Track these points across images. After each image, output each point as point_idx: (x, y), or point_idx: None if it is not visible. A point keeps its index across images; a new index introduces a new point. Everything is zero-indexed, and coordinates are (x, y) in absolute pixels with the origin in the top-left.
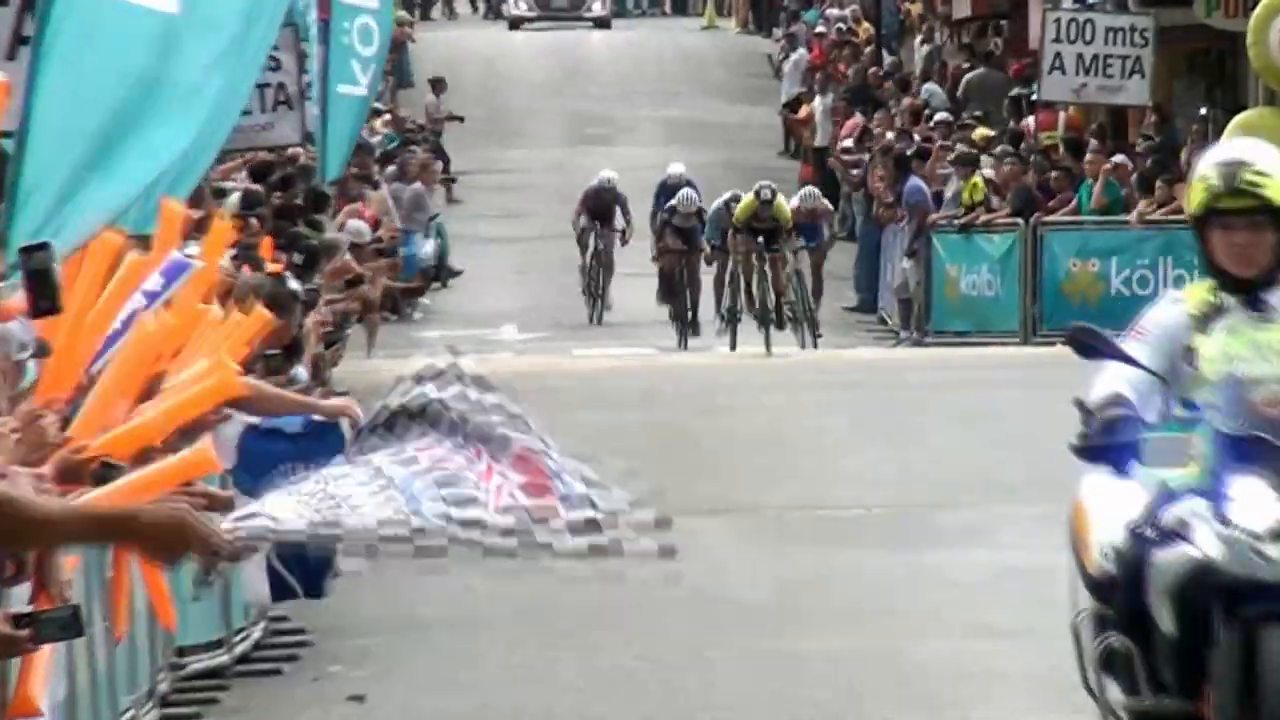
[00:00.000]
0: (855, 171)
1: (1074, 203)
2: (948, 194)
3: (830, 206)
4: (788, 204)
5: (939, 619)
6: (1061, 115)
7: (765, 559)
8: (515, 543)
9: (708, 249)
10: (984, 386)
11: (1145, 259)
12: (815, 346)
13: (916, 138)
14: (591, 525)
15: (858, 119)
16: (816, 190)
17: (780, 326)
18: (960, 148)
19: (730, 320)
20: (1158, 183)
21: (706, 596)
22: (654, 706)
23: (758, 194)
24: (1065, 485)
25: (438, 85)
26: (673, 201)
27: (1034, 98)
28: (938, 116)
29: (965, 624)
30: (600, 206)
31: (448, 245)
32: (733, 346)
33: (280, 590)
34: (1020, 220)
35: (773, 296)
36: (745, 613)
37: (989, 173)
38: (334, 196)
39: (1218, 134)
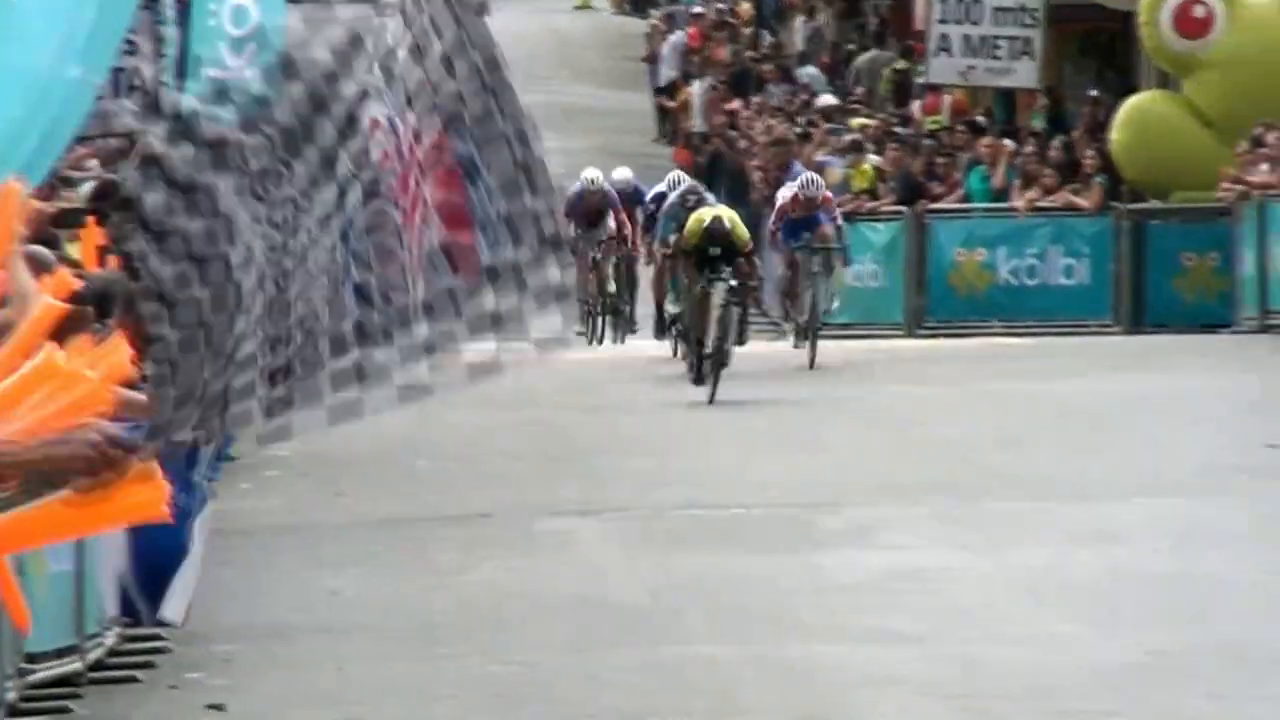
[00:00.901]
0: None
1: (961, 190)
2: (831, 181)
3: (830, 193)
4: (783, 191)
5: (825, 622)
6: (947, 99)
7: (644, 561)
8: (427, 333)
9: (655, 249)
10: (869, 382)
11: (1034, 248)
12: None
13: (800, 123)
14: (493, 274)
15: (736, 104)
16: (818, 177)
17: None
18: (848, 136)
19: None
20: (1046, 169)
21: (584, 600)
22: (531, 716)
23: (713, 222)
24: (953, 484)
25: None
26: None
27: (920, 80)
28: (820, 101)
29: (853, 628)
30: (588, 211)
31: None
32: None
33: (129, 610)
34: (904, 207)
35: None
36: (624, 617)
37: (876, 159)
38: None
39: (1108, 117)
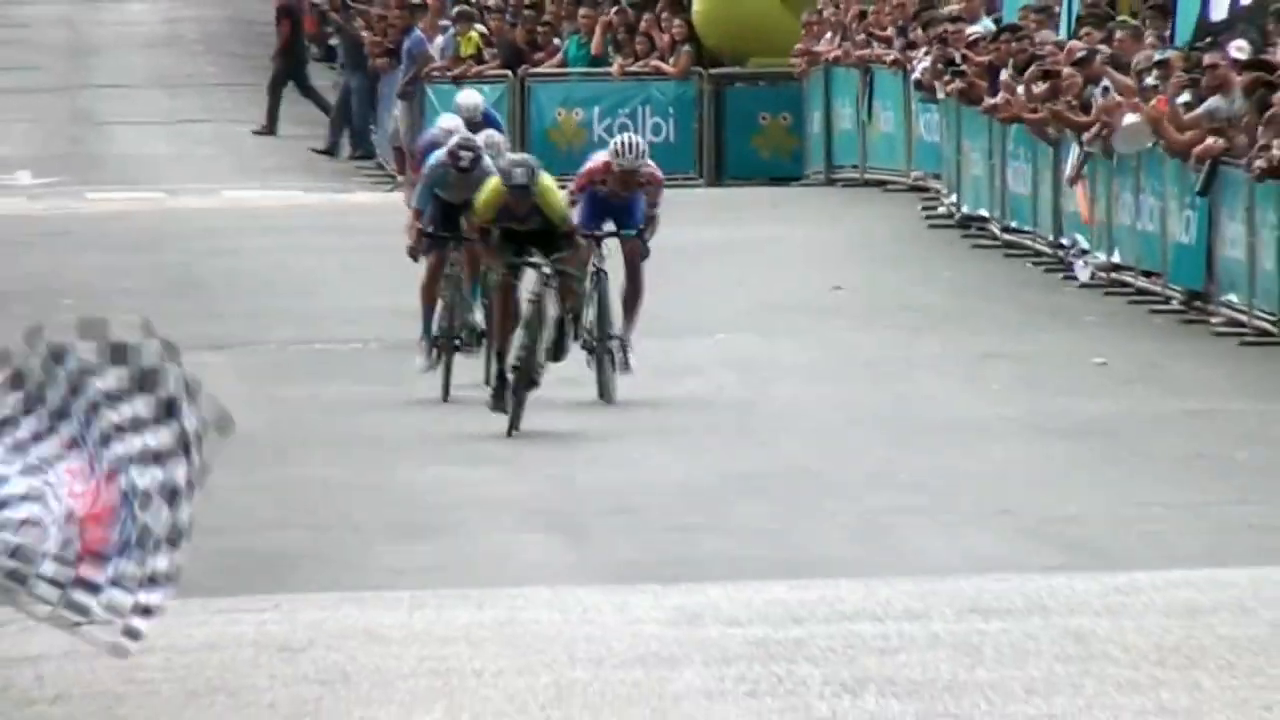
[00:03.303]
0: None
1: (560, 56)
2: (435, 46)
3: (659, 173)
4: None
5: (423, 444)
6: None
7: (265, 391)
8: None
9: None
10: None
11: (626, 109)
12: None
13: None
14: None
15: None
16: (639, 139)
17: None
18: (457, 7)
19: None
20: (638, 38)
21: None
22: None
23: (507, 174)
24: None
25: None
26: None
27: None
28: None
29: (452, 451)
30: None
31: None
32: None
33: None
34: (509, 72)
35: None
36: (247, 442)
37: (481, 28)
38: None
39: None
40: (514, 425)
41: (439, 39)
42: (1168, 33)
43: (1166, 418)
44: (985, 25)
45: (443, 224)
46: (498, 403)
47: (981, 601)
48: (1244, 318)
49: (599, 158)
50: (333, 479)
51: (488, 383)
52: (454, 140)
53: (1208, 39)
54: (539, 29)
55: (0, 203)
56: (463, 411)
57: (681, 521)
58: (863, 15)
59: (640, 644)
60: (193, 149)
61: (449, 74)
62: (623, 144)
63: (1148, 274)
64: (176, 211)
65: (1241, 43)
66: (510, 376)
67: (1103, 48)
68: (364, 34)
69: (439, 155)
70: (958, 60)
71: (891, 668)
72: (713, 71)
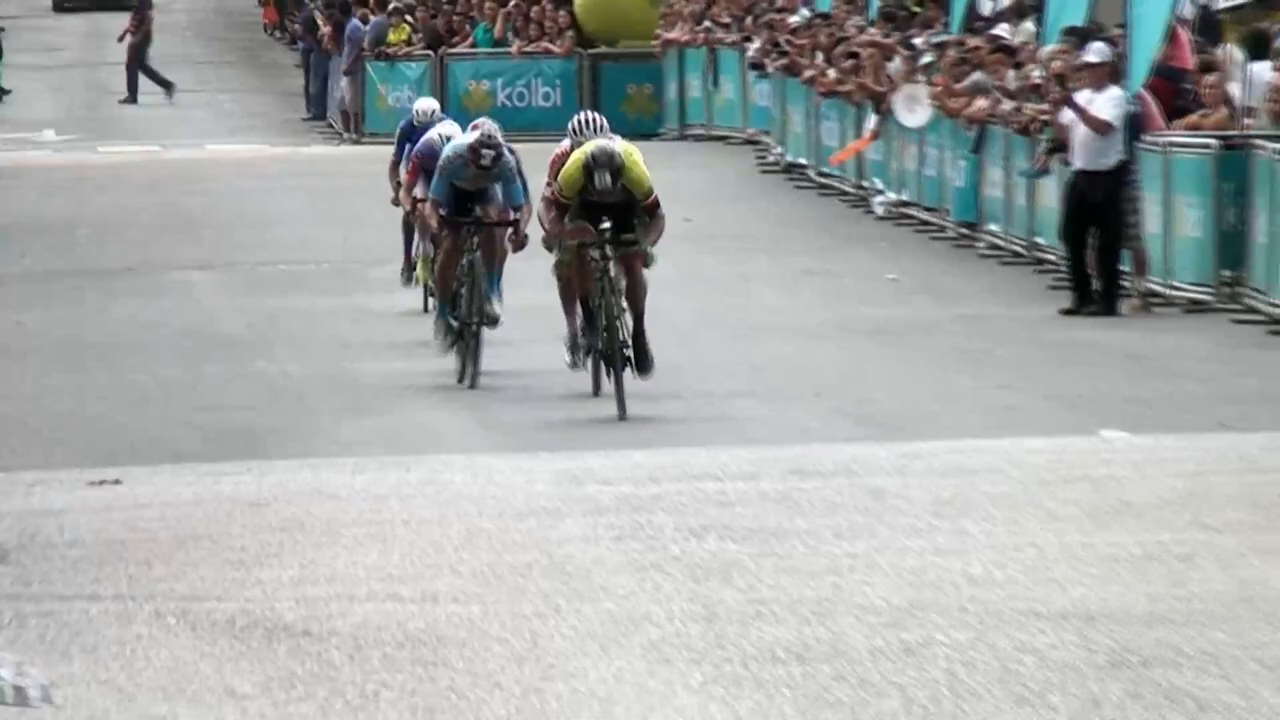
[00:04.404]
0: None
1: (471, 39)
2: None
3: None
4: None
5: (367, 345)
6: None
7: (240, 302)
8: None
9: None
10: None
11: (523, 81)
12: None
13: None
14: None
15: None
16: (595, 115)
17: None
18: (393, 4)
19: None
20: (531, 25)
21: (195, 332)
22: (158, 408)
23: (590, 175)
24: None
25: None
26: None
27: None
28: None
29: (384, 346)
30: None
31: (1, 69)
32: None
33: None
34: (431, 53)
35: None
36: (227, 343)
37: (411, 19)
38: None
39: None
40: (621, 410)
41: (373, 24)
42: (945, 21)
43: (943, 322)
44: (803, 14)
45: (458, 209)
46: (595, 384)
47: (800, 465)
48: (1002, 243)
49: (559, 148)
50: (294, 371)
51: (578, 364)
52: (475, 137)
53: (977, 24)
54: (454, 19)
55: (31, 154)
56: (402, 320)
57: (567, 402)
58: (709, 5)
59: (533, 500)
60: (184, 112)
61: (384, 54)
62: (581, 121)
63: (929, 209)
64: (170, 161)
65: (1101, 45)
66: (602, 361)
67: (895, 34)
68: (318, 20)
69: (458, 148)
70: (782, 43)
71: (729, 517)
72: (590, 52)
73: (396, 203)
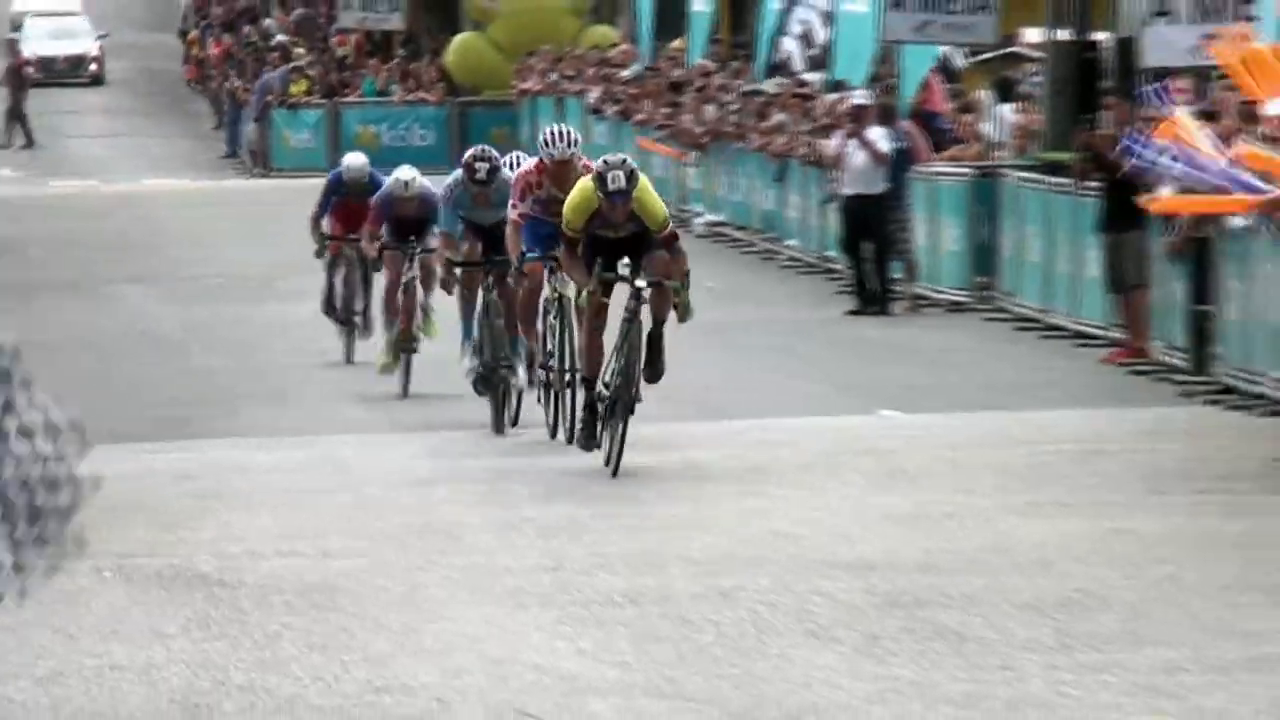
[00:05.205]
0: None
1: (361, 90)
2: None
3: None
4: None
5: (276, 343)
6: (352, 38)
7: (171, 309)
8: None
9: (444, 247)
10: (308, 198)
11: (404, 124)
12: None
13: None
14: None
15: (227, 40)
16: (569, 128)
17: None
18: (295, 63)
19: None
20: (410, 79)
21: (129, 333)
22: (97, 399)
23: (602, 179)
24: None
25: None
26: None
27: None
28: (276, 38)
29: (291, 342)
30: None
31: None
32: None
33: None
34: (327, 101)
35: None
36: (163, 342)
37: (310, 74)
38: None
39: (444, 47)
40: (615, 464)
41: (276, 77)
42: (754, 68)
43: (754, 321)
44: (635, 68)
45: (484, 248)
46: (589, 439)
47: (636, 442)
48: (802, 256)
49: (524, 167)
50: (218, 365)
51: (556, 427)
52: (469, 152)
53: (775, 71)
54: (345, 74)
55: None
56: (318, 320)
57: (442, 399)
58: (557, 61)
59: (411, 472)
60: (121, 153)
61: (288, 103)
62: (552, 133)
63: (740, 228)
64: (109, 194)
65: (863, 91)
66: (601, 406)
67: (714, 79)
68: (234, 81)
69: (454, 174)
70: (616, 92)
71: (575, 485)
72: (459, 100)
73: (320, 254)
